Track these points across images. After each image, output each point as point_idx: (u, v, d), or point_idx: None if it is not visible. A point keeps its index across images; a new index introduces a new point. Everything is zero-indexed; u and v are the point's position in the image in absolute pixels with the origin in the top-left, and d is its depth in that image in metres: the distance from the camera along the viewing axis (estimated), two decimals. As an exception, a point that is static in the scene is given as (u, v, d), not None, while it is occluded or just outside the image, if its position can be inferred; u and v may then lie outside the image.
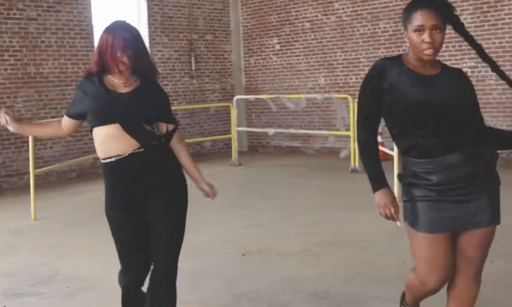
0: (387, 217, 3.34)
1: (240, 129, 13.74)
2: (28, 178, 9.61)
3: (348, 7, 13.74)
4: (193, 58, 14.84)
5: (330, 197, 9.35)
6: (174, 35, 14.54)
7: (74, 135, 12.30)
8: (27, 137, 9.87)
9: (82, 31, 12.79)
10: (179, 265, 3.87)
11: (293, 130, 13.76)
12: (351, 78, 13.74)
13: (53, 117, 11.90)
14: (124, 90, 3.73)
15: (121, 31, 3.67)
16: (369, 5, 13.42)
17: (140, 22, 14.11)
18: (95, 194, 9.62)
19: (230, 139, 13.81)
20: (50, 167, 10.69)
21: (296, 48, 14.71)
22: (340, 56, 13.93)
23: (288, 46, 14.87)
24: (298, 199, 9.32)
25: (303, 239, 6.94)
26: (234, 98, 13.73)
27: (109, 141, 3.67)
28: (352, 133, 11.27)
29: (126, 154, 3.66)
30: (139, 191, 3.74)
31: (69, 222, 8.43)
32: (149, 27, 14.05)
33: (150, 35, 14.02)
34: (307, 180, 10.99)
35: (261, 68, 15.44)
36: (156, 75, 3.82)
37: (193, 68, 14.85)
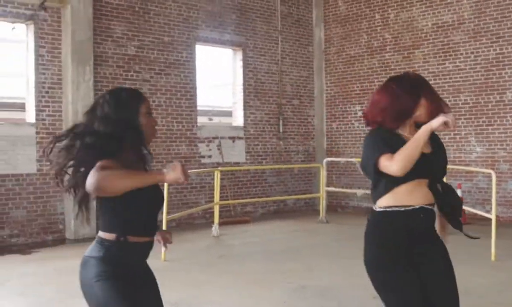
0: None
1: (329, 189, 14.70)
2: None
3: (429, 80, 14.64)
4: (281, 121, 15.94)
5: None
6: (265, 99, 15.69)
7: (175, 187, 13.43)
8: None
9: (187, 93, 14.01)
10: None
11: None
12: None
13: (158, 169, 13.01)
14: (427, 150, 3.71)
15: None
16: (450, 78, 14.38)
17: (236, 87, 15.34)
18: (202, 242, 10.68)
19: (311, 198, 14.76)
20: (175, 215, 11.79)
21: (378, 115, 15.67)
22: (421, 124, 14.84)
23: (370, 113, 15.84)
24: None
25: None
26: (324, 160, 14.73)
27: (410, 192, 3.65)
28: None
29: (417, 207, 3.65)
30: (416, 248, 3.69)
31: (192, 264, 9.43)
32: (244, 92, 15.23)
33: (244, 99, 15.20)
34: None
35: (342, 132, 16.46)
36: None
37: (281, 130, 15.94)
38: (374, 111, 3.73)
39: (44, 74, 11.97)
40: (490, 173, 10.46)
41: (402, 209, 3.61)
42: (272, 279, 8.36)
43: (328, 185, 15.65)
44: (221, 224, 12.57)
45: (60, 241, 11.95)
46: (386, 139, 3.63)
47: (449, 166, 10.98)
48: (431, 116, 3.57)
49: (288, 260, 9.75)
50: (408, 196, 3.61)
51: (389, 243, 3.63)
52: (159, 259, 9.33)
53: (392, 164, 3.48)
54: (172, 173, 3.12)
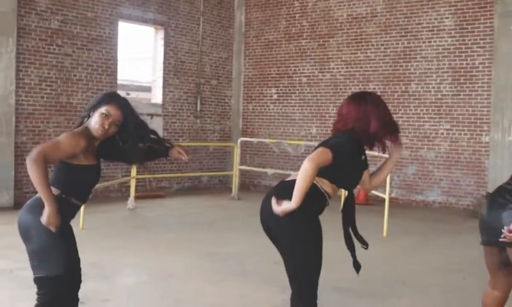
0: None
1: (242, 167, 15.36)
2: None
3: (342, 68, 15.55)
4: (199, 100, 16.46)
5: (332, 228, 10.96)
6: (184, 78, 16.17)
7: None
8: None
9: (108, 69, 14.35)
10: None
11: (289, 172, 15.39)
12: (340, 130, 15.47)
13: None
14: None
15: None
16: (361, 67, 15.25)
17: (156, 64, 15.77)
18: (118, 214, 11.21)
19: (224, 176, 15.40)
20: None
21: (292, 99, 16.45)
22: (332, 109, 15.66)
23: (285, 97, 16.60)
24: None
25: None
26: (239, 140, 15.38)
27: None
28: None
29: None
30: None
31: (108, 233, 9.92)
32: (164, 70, 15.67)
33: (164, 77, 15.65)
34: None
35: (258, 114, 17.13)
36: None
37: (198, 109, 16.47)
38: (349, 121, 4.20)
39: (-35, 43, 12.10)
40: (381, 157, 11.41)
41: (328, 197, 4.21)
42: (184, 246, 8.98)
43: (241, 164, 16.27)
44: (136, 198, 13.01)
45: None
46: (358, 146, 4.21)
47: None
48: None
49: (200, 231, 10.38)
50: (330, 189, 4.20)
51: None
52: (77, 227, 9.73)
53: (305, 166, 3.95)
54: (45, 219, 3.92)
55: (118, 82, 14.86)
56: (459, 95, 13.94)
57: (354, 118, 4.15)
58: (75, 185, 4.15)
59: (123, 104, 4.22)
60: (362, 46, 15.29)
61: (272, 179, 15.85)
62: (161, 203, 13.64)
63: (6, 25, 12.31)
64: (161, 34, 15.70)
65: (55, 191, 4.02)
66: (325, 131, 15.74)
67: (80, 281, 4.28)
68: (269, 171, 14.82)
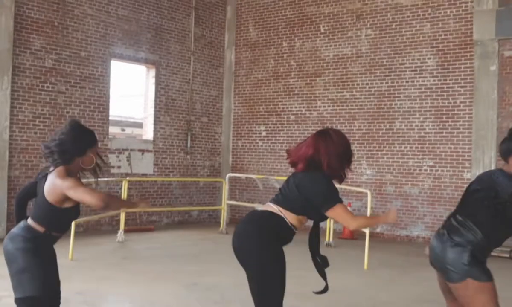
0: None
1: (231, 202, 15.73)
2: None
3: (329, 106, 16.00)
4: (189, 136, 16.87)
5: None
6: (175, 115, 16.59)
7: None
8: None
9: (100, 106, 14.76)
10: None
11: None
12: (327, 167, 15.85)
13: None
14: None
15: None
16: (347, 106, 15.69)
17: (148, 102, 16.20)
18: (105, 246, 11.52)
19: (215, 211, 15.77)
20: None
21: (280, 136, 16.87)
22: (319, 146, 16.03)
23: (273, 134, 17.02)
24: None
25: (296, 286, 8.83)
26: (227, 175, 15.76)
27: None
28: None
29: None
30: None
31: (98, 263, 10.23)
32: (155, 107, 16.10)
33: (155, 114, 16.07)
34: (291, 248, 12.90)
35: (247, 150, 17.54)
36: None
37: (189, 145, 16.86)
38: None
39: (-38, 80, 12.51)
40: (366, 193, 11.92)
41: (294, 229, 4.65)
42: (169, 277, 9.30)
43: (230, 199, 16.61)
44: (126, 231, 13.33)
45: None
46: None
47: (341, 186, 12.45)
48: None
49: (186, 263, 10.69)
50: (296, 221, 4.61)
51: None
52: (66, 258, 10.09)
53: (353, 222, 4.55)
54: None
55: (110, 118, 15.27)
56: (442, 132, 14.36)
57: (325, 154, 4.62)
58: (61, 223, 4.56)
59: None
60: (348, 85, 15.75)
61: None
62: (151, 236, 13.95)
63: (1, 64, 12.74)
64: (152, 72, 16.16)
65: (40, 228, 4.43)
66: (312, 168, 16.10)
67: (59, 305, 4.63)
68: (258, 206, 15.11)
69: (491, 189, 4.42)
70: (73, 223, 10.64)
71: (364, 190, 13.22)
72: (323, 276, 4.87)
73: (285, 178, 14.61)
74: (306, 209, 4.59)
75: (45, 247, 4.47)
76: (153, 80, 16.17)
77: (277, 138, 16.97)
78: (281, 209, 4.58)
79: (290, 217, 4.57)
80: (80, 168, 4.53)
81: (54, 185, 4.34)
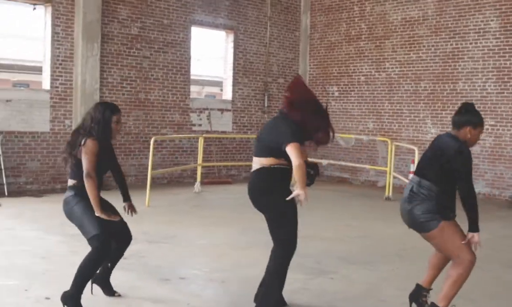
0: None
1: (300, 157, 16.87)
2: (132, 179, 14.39)
3: (396, 67, 16.79)
4: (266, 96, 18.07)
5: (364, 213, 12.37)
6: (253, 77, 17.82)
7: (168, 150, 15.72)
8: (134, 149, 13.72)
9: (182, 69, 16.18)
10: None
11: (342, 163, 16.86)
12: (394, 125, 16.76)
13: (154, 134, 15.31)
14: None
15: None
16: (413, 67, 16.44)
17: (227, 64, 17.50)
18: (183, 196, 13.02)
19: (291, 166, 16.93)
20: (160, 170, 14.06)
21: (351, 96, 17.82)
22: (387, 106, 16.94)
23: (345, 94, 17.99)
24: (338, 212, 12.38)
25: (337, 233, 9.98)
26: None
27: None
28: (389, 168, 14.26)
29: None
30: None
31: (171, 210, 11.69)
32: (233, 70, 17.38)
33: (233, 76, 17.36)
34: (349, 201, 14.02)
35: (321, 110, 18.53)
36: None
37: (266, 105, 18.08)
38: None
39: (58, 48, 14.16)
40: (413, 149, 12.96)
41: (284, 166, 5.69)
42: (229, 222, 10.63)
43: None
44: (205, 183, 14.80)
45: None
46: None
47: (403, 144, 13.66)
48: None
49: (248, 211, 11.94)
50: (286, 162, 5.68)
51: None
52: (143, 205, 11.62)
53: (298, 158, 5.37)
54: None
55: (191, 78, 16.71)
56: (503, 93, 14.91)
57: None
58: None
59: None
60: (415, 47, 16.47)
61: (326, 169, 17.33)
62: (227, 188, 15.30)
63: (92, 32, 14.31)
64: (231, 37, 17.41)
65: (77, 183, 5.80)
66: (380, 126, 17.03)
67: (130, 238, 6.07)
68: (324, 162, 16.24)
69: (438, 149, 5.45)
70: (149, 175, 12.22)
71: (412, 147, 14.03)
72: (312, 180, 5.84)
73: (350, 136, 15.61)
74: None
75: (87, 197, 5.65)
76: (231, 44, 17.42)
77: (349, 98, 17.92)
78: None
79: (280, 162, 5.66)
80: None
81: None
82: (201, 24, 16.71)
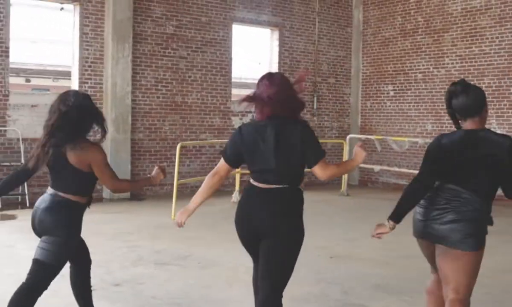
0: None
1: (351, 163, 15.56)
2: (168, 189, 13.07)
3: (457, 63, 15.31)
4: (315, 98, 16.84)
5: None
6: (300, 77, 16.59)
7: (208, 156, 14.66)
8: (170, 156, 12.54)
9: (222, 69, 15.12)
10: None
11: (396, 168, 15.45)
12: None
13: (192, 139, 14.29)
14: None
15: None
16: (476, 62, 14.94)
17: (272, 64, 16.34)
18: (218, 206, 11.95)
19: (342, 172, 15.65)
20: (188, 179, 13.02)
21: (408, 96, 16.41)
22: (446, 105, 15.45)
23: (401, 93, 16.58)
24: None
25: (377, 252, 8.68)
26: (348, 136, 15.59)
27: None
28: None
29: None
30: None
31: (199, 223, 10.59)
32: (279, 69, 16.18)
33: (279, 76, 16.16)
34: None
35: (375, 111, 17.23)
36: None
37: (315, 107, 16.85)
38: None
39: (87, 50, 13.31)
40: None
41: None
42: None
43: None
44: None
45: (98, 199, 13.33)
46: None
47: None
48: None
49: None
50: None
51: None
52: (169, 218, 10.58)
53: (326, 172, 4.42)
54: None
55: (233, 80, 15.60)
56: None
57: None
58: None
59: None
60: (477, 39, 14.98)
61: (380, 175, 15.99)
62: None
63: (123, 32, 13.40)
64: (276, 34, 16.26)
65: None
66: (440, 128, 15.56)
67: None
68: (375, 168, 14.90)
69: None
70: (175, 184, 11.20)
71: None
72: None
73: (405, 139, 14.20)
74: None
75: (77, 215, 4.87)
76: (276, 42, 16.27)
77: (405, 97, 16.52)
78: None
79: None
80: None
81: None
82: (243, 21, 15.62)
